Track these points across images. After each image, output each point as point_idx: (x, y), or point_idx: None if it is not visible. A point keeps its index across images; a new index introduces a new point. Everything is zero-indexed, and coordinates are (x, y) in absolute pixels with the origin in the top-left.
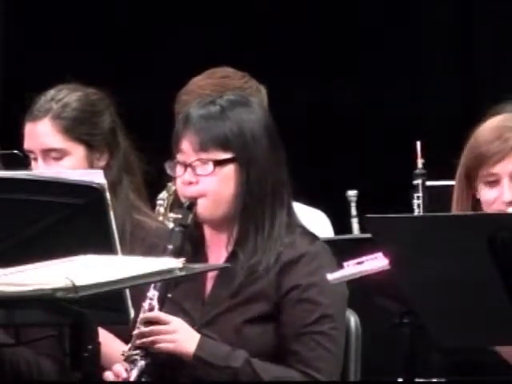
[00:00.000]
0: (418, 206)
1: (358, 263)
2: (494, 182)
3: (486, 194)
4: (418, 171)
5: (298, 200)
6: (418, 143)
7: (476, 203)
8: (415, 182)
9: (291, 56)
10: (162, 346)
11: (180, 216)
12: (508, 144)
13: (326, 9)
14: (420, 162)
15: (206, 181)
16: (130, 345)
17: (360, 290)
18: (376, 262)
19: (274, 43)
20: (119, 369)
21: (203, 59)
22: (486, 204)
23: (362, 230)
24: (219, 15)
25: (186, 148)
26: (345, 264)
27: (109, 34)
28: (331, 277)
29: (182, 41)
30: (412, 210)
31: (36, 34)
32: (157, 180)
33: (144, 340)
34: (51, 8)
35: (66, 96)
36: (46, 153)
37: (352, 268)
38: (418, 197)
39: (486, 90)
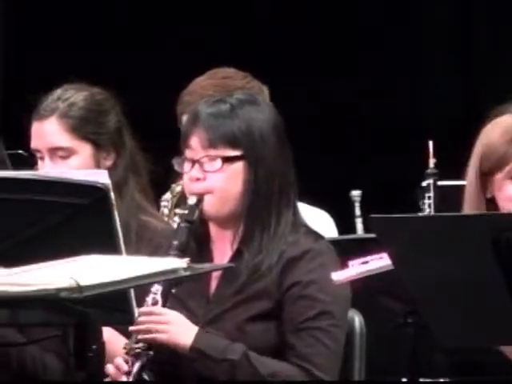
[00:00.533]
0: (429, 205)
1: (363, 263)
2: None
3: (510, 190)
4: (429, 171)
5: (302, 200)
6: (431, 143)
7: (489, 203)
8: (426, 182)
9: (291, 56)
10: (156, 336)
11: (186, 212)
12: None
13: (326, 9)
14: (432, 161)
15: (213, 177)
16: (131, 338)
17: (364, 291)
18: (381, 262)
19: (273, 43)
20: (120, 362)
21: (203, 59)
22: (509, 199)
23: (366, 230)
24: (219, 15)
25: (195, 144)
26: (350, 263)
27: (109, 34)
28: (336, 276)
29: (182, 41)
30: (416, 210)
31: (36, 34)
32: (162, 181)
33: (138, 328)
34: (51, 8)
35: (73, 95)
36: (53, 152)
37: (357, 268)
38: (429, 197)
39: (486, 90)
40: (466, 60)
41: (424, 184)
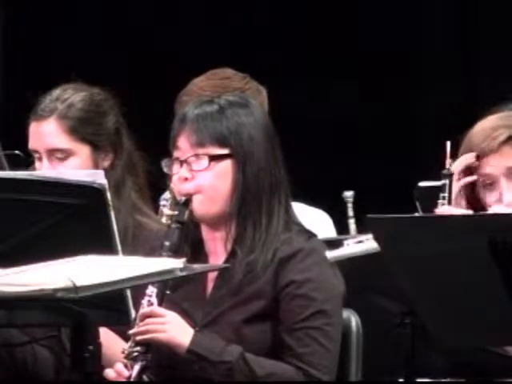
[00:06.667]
0: (443, 205)
1: (358, 242)
2: (492, 184)
3: (486, 198)
4: (445, 171)
5: (299, 201)
6: (448, 143)
7: (477, 204)
8: (442, 182)
9: (291, 56)
10: (155, 335)
11: (176, 213)
12: (496, 142)
13: (326, 9)
14: (448, 162)
15: (201, 176)
16: (129, 342)
17: (360, 290)
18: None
19: (274, 43)
20: (120, 368)
21: (203, 59)
22: (489, 207)
23: (359, 230)
24: (220, 15)
25: (183, 145)
26: (345, 243)
27: (109, 34)
28: (330, 254)
29: (182, 41)
30: (412, 211)
31: (36, 33)
32: (160, 181)
33: (138, 330)
34: (51, 8)
35: (71, 96)
36: (51, 153)
37: (352, 247)
38: (444, 197)
39: (487, 91)
40: (466, 60)
41: (433, 184)
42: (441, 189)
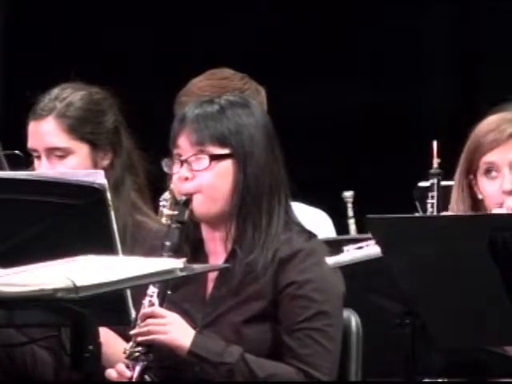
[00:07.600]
0: (432, 205)
1: (358, 248)
2: (494, 173)
3: (487, 187)
4: (433, 171)
5: (299, 201)
6: (435, 143)
7: (476, 203)
8: (430, 182)
9: (291, 56)
10: (156, 337)
11: (176, 212)
12: (504, 134)
13: (325, 8)
14: (436, 161)
15: (201, 176)
16: (131, 342)
17: (360, 290)
18: (376, 248)
19: (274, 43)
20: (122, 368)
21: (203, 59)
22: (489, 198)
23: (359, 231)
24: (220, 15)
25: (183, 144)
26: (345, 248)
27: (109, 34)
28: (331, 261)
29: (182, 41)
30: (412, 211)
31: (36, 33)
32: (161, 181)
33: (139, 330)
34: (51, 8)
35: (70, 95)
36: (50, 152)
37: (352, 253)
38: (433, 196)
39: (486, 90)
40: (466, 60)
41: (427, 184)
42: (429, 188)
